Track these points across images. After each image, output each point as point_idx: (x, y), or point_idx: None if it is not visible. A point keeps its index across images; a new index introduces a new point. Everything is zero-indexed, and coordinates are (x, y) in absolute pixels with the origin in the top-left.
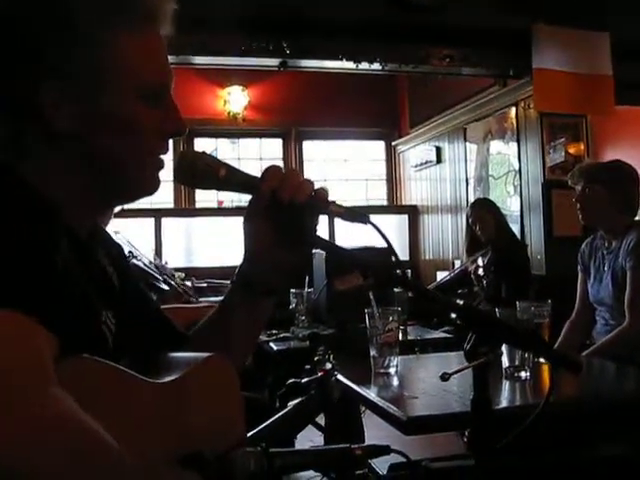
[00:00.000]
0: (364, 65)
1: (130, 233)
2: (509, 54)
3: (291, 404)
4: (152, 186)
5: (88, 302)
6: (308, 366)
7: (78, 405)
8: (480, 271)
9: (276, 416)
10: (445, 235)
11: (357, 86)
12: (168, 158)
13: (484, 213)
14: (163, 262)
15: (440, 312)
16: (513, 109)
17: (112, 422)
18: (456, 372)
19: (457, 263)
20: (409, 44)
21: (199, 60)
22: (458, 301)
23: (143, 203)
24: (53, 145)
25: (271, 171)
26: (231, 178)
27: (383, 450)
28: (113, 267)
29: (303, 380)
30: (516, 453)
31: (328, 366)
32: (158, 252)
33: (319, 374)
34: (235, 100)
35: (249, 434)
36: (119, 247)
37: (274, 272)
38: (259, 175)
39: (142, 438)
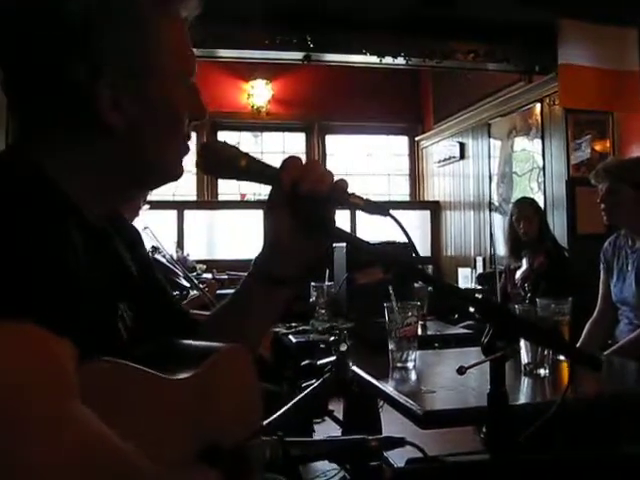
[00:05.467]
0: (388, 59)
1: (153, 225)
2: (535, 50)
3: (305, 385)
4: (180, 172)
5: (104, 298)
6: (323, 345)
7: (98, 414)
8: (521, 272)
9: (292, 402)
10: (467, 232)
11: (381, 80)
12: (191, 149)
13: (531, 213)
14: (185, 254)
15: (459, 306)
16: (538, 105)
17: (133, 424)
18: (473, 366)
19: (479, 260)
20: (434, 39)
21: (223, 53)
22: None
23: (166, 195)
24: (93, 140)
25: (291, 162)
26: (252, 168)
27: (398, 442)
28: (131, 254)
29: (318, 362)
30: (536, 450)
31: (343, 347)
32: (180, 244)
33: (334, 357)
34: (259, 94)
35: (266, 421)
36: (136, 233)
37: (292, 262)
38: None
39: (163, 438)
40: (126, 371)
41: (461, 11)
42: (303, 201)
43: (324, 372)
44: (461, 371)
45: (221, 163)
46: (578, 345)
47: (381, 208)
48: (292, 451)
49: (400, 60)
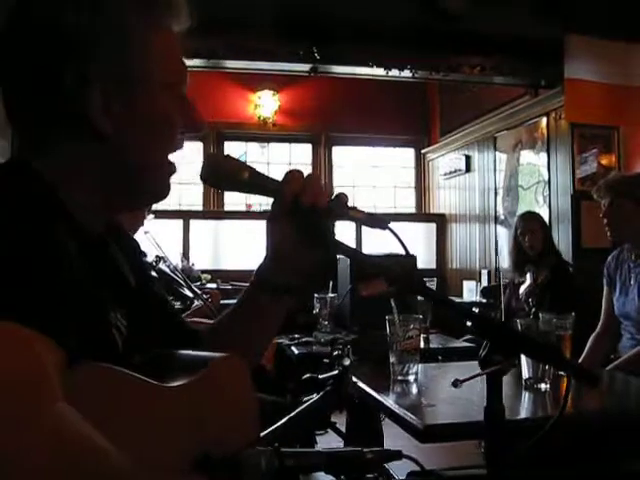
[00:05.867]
0: (394, 72)
1: (158, 234)
2: (541, 64)
3: (306, 399)
4: (167, 190)
5: (97, 305)
6: (326, 360)
7: (86, 417)
8: (525, 287)
9: (291, 414)
10: (473, 245)
11: (388, 93)
12: (198, 161)
13: (536, 227)
14: (190, 264)
15: (457, 320)
16: (544, 119)
17: (124, 430)
18: (468, 379)
19: (484, 273)
20: (440, 52)
21: (231, 64)
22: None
23: (172, 205)
24: (83, 146)
25: (293, 175)
26: (254, 181)
27: (395, 455)
28: (129, 264)
29: (320, 376)
30: (535, 465)
31: (346, 362)
32: (186, 254)
33: (336, 371)
34: (266, 104)
35: (265, 432)
36: (135, 243)
37: (293, 273)
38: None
39: (155, 445)
40: (118, 376)
41: (468, 25)
42: (304, 214)
43: (326, 386)
44: (456, 384)
45: (224, 176)
46: (581, 359)
47: (381, 221)
48: (287, 462)
49: (406, 73)
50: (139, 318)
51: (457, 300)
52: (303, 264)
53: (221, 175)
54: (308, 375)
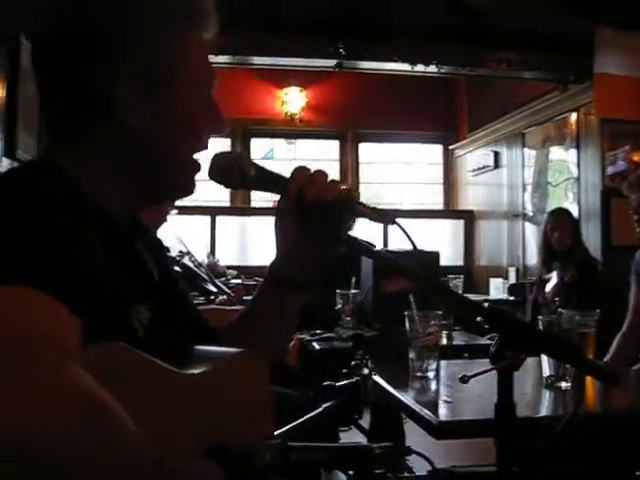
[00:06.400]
0: (420, 67)
1: (185, 230)
2: (570, 58)
3: (324, 405)
4: (193, 187)
5: (118, 294)
6: (345, 370)
7: (100, 385)
8: (551, 286)
9: (304, 418)
10: (500, 242)
11: (415, 89)
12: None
13: (566, 223)
14: (215, 260)
15: (470, 315)
16: (574, 115)
17: (139, 410)
18: (476, 375)
19: (511, 271)
20: (466, 47)
21: (257, 60)
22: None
23: (199, 201)
24: (113, 144)
25: (299, 171)
26: (261, 178)
27: (403, 451)
28: (154, 260)
29: (337, 384)
30: (561, 463)
31: (365, 371)
32: (212, 250)
33: (354, 379)
34: (293, 101)
35: (285, 428)
36: (160, 242)
37: (303, 268)
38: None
39: (169, 426)
40: (136, 357)
41: (493, 19)
42: (310, 209)
43: (343, 395)
44: (464, 380)
45: (231, 174)
46: (607, 358)
47: (388, 216)
48: (293, 455)
49: (432, 68)
50: (163, 313)
51: (483, 298)
52: (312, 259)
53: (228, 174)
54: (327, 383)
